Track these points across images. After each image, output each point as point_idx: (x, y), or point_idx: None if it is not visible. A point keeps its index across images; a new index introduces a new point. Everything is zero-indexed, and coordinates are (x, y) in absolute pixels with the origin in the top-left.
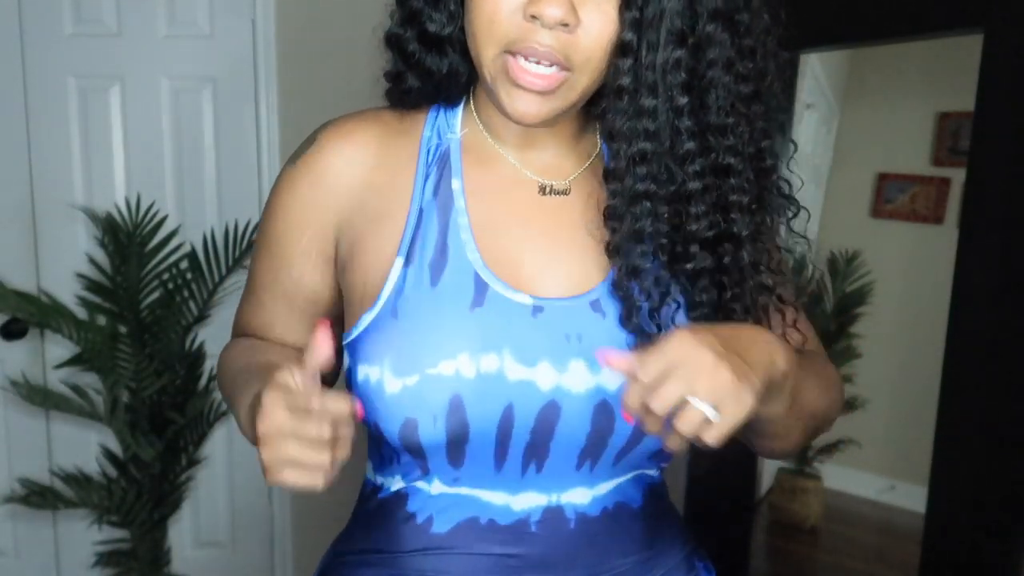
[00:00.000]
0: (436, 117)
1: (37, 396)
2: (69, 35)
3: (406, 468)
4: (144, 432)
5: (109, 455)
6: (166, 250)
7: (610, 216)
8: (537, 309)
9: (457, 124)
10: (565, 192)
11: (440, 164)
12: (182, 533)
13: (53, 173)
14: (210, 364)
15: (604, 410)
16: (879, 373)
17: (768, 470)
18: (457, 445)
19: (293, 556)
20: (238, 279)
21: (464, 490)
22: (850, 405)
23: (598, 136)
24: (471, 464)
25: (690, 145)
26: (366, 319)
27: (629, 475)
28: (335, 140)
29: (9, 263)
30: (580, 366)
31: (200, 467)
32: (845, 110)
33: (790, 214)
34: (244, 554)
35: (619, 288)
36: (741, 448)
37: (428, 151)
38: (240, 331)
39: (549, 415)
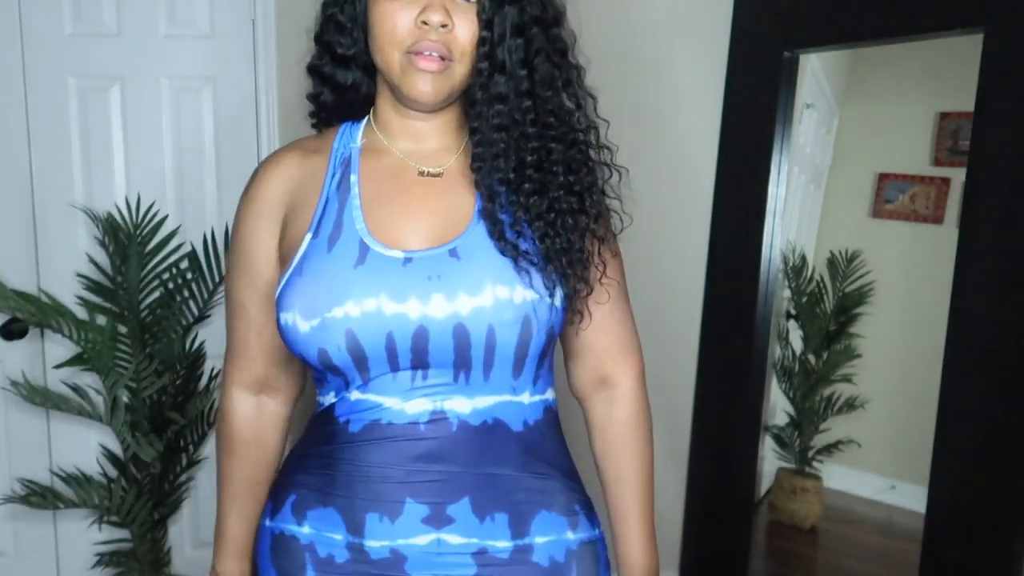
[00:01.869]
0: (343, 132)
1: (37, 396)
2: (69, 35)
3: (333, 383)
4: (144, 432)
5: (109, 455)
6: (166, 250)
7: (476, 160)
8: (407, 260)
9: (359, 135)
10: (439, 175)
11: (344, 165)
12: (182, 533)
13: (53, 173)
14: (210, 364)
15: (461, 330)
16: (879, 373)
17: (768, 470)
18: (360, 363)
19: None
20: None
21: (372, 397)
22: (850, 405)
23: (468, 133)
24: (375, 377)
25: (527, 103)
26: (283, 278)
27: (506, 397)
28: (266, 168)
29: (9, 263)
30: (440, 298)
31: (200, 467)
32: (845, 110)
33: (607, 173)
34: None
35: (486, 213)
36: (741, 448)
37: (335, 158)
38: (236, 349)
39: (420, 336)
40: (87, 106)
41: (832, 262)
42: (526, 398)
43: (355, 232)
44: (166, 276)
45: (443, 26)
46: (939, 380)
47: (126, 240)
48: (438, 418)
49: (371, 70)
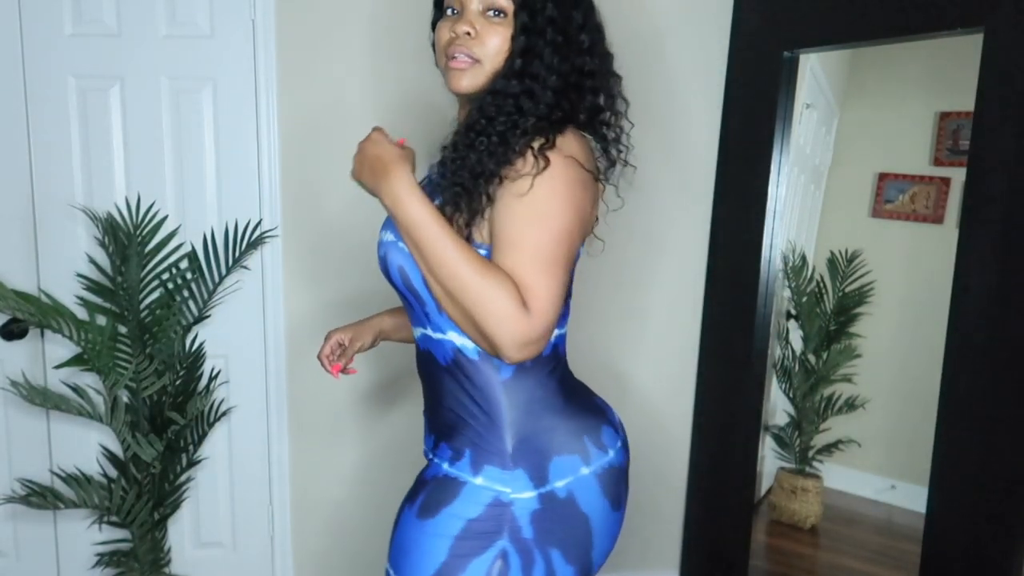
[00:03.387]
0: None
1: (37, 396)
2: (69, 35)
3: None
4: (144, 432)
5: (109, 455)
6: (166, 250)
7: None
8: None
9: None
10: None
11: None
12: (182, 533)
13: (53, 173)
14: (210, 364)
15: (383, 260)
16: (879, 373)
17: (768, 470)
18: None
19: (293, 556)
20: (238, 279)
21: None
22: (850, 405)
23: None
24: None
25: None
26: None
27: (430, 332)
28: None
29: (9, 263)
30: (387, 233)
31: (200, 467)
32: (845, 110)
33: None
34: (244, 554)
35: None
36: (741, 448)
37: None
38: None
39: (383, 261)
40: (87, 106)
41: (832, 262)
42: (433, 334)
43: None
44: (166, 276)
45: (467, 34)
46: (939, 380)
47: (126, 240)
48: (418, 340)
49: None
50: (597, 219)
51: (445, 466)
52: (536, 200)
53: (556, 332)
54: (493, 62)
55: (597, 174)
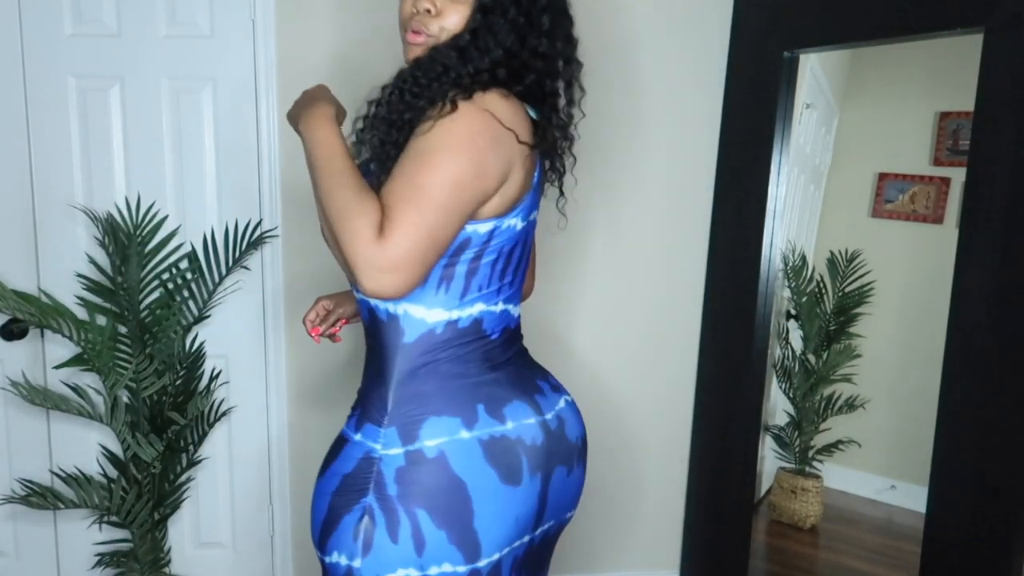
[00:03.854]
0: None
1: (37, 396)
2: (69, 35)
3: None
4: (144, 432)
5: (109, 455)
6: (166, 250)
7: None
8: None
9: None
10: None
11: None
12: (182, 533)
13: (53, 173)
14: (210, 364)
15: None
16: (879, 373)
17: (768, 470)
18: None
19: (293, 556)
20: (238, 279)
21: None
22: (850, 405)
23: None
24: None
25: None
26: None
27: (356, 294)
28: None
29: (9, 263)
30: None
31: (200, 467)
32: (845, 110)
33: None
34: (244, 554)
35: None
36: (741, 448)
37: None
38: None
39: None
40: (87, 106)
41: (832, 262)
42: (357, 294)
43: None
44: (166, 276)
45: (427, 11)
46: (939, 380)
47: (126, 240)
48: None
49: None
50: (537, 191)
51: (345, 424)
52: (430, 139)
53: (483, 308)
54: (449, 37)
55: (521, 138)
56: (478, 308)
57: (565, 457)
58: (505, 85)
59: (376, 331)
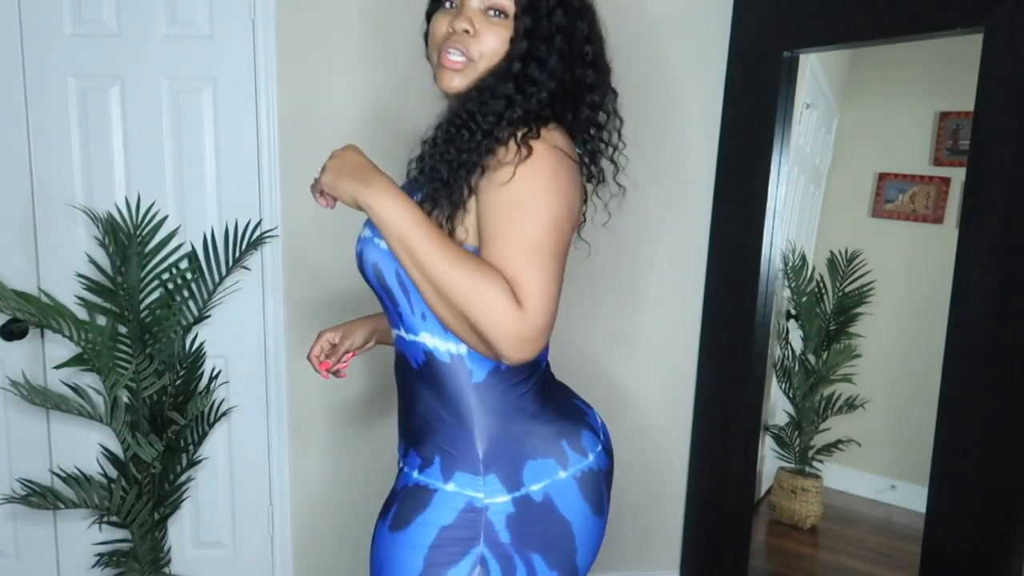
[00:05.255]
0: None
1: (37, 396)
2: (69, 35)
3: None
4: (144, 432)
5: (109, 455)
6: (166, 250)
7: None
8: None
9: None
10: None
11: None
12: (182, 533)
13: (53, 173)
14: (210, 364)
15: (359, 256)
16: (879, 373)
17: (768, 470)
18: None
19: (293, 556)
20: (238, 279)
21: None
22: (850, 405)
23: None
24: None
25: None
26: None
27: (403, 333)
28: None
29: (9, 263)
30: (366, 229)
31: (200, 467)
32: (845, 110)
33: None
34: (244, 554)
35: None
36: (741, 448)
37: None
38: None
39: (359, 257)
40: (87, 106)
41: (832, 262)
42: (406, 335)
43: None
44: (166, 276)
45: (466, 31)
46: (939, 380)
47: (126, 240)
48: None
49: None
50: (584, 219)
51: (415, 474)
52: (519, 188)
53: None
54: (488, 62)
55: (582, 168)
56: None
57: (613, 469)
58: (560, 119)
59: (438, 374)
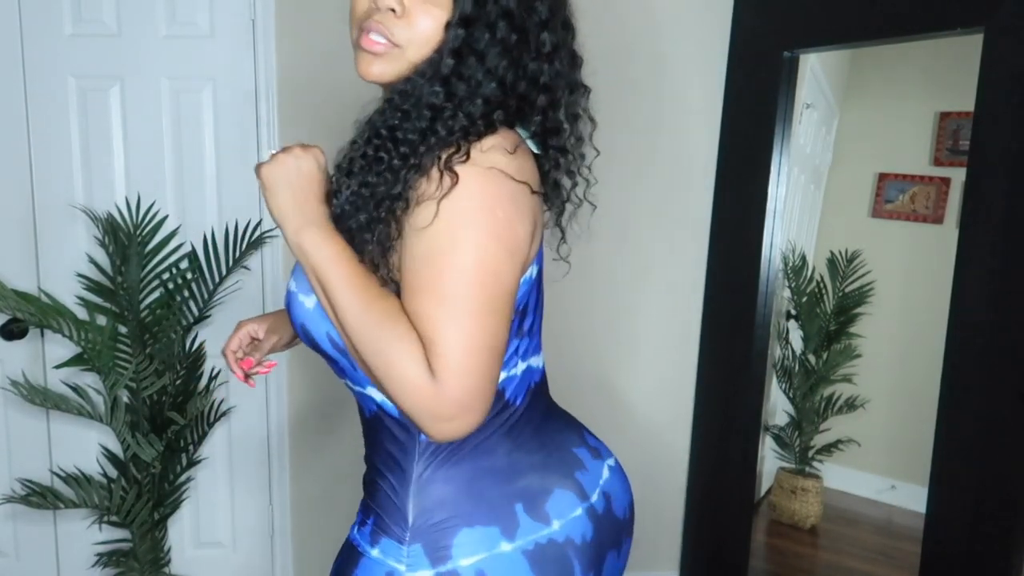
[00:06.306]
0: None
1: (37, 396)
2: (69, 35)
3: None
4: (144, 432)
5: (109, 455)
6: (166, 250)
7: None
8: None
9: None
10: None
11: None
12: (182, 533)
13: (53, 173)
14: (210, 364)
15: (288, 308)
16: (879, 373)
17: (768, 470)
18: None
19: (293, 556)
20: (238, 279)
21: None
22: (850, 405)
23: None
24: None
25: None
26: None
27: (351, 384)
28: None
29: (9, 263)
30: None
31: (200, 467)
32: (845, 110)
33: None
34: (244, 554)
35: None
36: (741, 448)
37: None
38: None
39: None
40: (87, 106)
41: (832, 262)
42: (353, 386)
43: None
44: (166, 276)
45: (391, 10)
46: (939, 380)
47: (126, 240)
48: None
49: None
50: (542, 242)
51: (355, 530)
52: (439, 232)
53: (503, 376)
54: (419, 51)
55: (534, 188)
56: (500, 376)
57: (614, 539)
58: (516, 121)
59: (388, 427)
